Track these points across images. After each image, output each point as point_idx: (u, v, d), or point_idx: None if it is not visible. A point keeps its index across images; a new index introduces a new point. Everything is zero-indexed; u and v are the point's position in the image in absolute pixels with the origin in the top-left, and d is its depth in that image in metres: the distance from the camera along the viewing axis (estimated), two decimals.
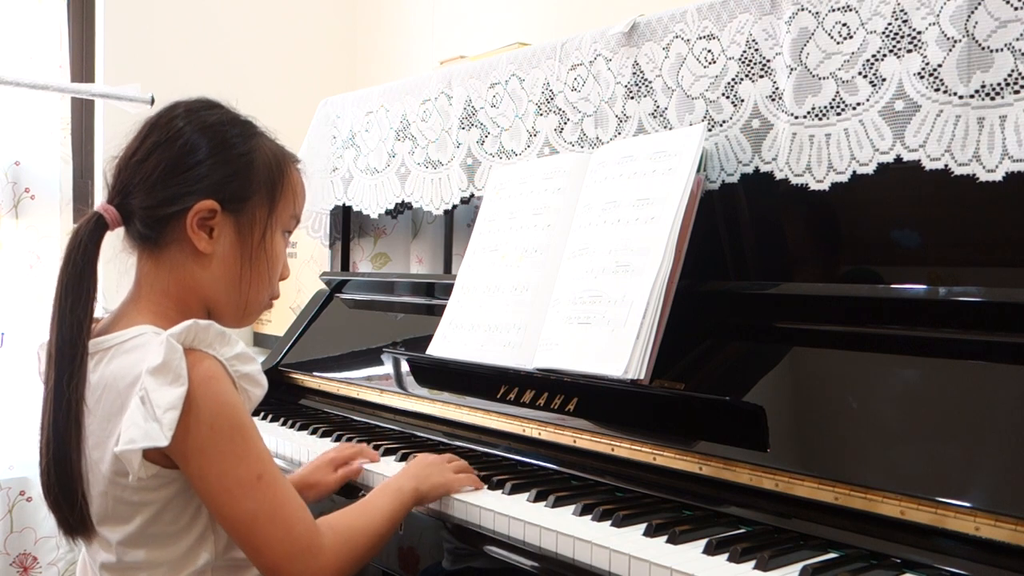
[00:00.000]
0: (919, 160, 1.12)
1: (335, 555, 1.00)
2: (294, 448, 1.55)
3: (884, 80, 1.16)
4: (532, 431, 1.36)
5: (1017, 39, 1.04)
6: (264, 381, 1.02)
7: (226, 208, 1.03)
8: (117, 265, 1.06)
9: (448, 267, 2.11)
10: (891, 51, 1.15)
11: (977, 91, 1.07)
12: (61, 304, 0.99)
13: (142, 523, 0.98)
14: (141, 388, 0.92)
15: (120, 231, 1.05)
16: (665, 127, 1.42)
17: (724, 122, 1.34)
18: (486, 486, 1.22)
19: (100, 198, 2.81)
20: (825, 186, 1.23)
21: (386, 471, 1.34)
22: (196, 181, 1.02)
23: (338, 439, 1.56)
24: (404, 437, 1.57)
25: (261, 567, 0.98)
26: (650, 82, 1.44)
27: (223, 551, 1.02)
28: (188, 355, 0.94)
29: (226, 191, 1.03)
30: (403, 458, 1.40)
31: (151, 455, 0.94)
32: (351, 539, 1.03)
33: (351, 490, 1.35)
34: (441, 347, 1.55)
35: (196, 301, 1.05)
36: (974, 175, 1.08)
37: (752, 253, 1.42)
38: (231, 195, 1.04)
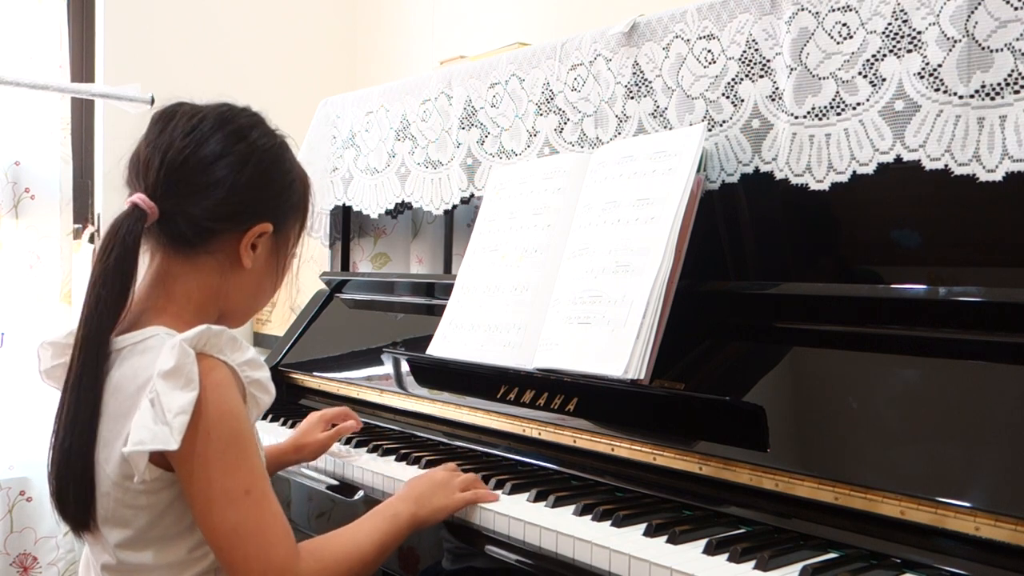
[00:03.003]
0: (919, 160, 1.12)
1: None
2: None
3: (884, 80, 1.16)
4: (532, 431, 1.36)
5: (1017, 39, 1.04)
6: (272, 389, 1.02)
7: (276, 229, 1.07)
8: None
9: (448, 267, 2.11)
10: (891, 51, 1.15)
11: (977, 91, 1.07)
12: (97, 295, 0.97)
13: (143, 526, 0.97)
14: (152, 391, 0.92)
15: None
16: (665, 127, 1.42)
17: (724, 122, 1.34)
18: (497, 497, 1.18)
19: (100, 198, 2.80)
20: (825, 186, 1.23)
21: (386, 470, 1.34)
22: (259, 203, 1.04)
23: None
24: (404, 437, 1.58)
25: None
26: (650, 82, 1.44)
27: None
28: (201, 360, 0.94)
29: (278, 214, 1.07)
30: (403, 458, 1.41)
31: (154, 458, 0.94)
32: (332, 569, 1.00)
33: (350, 489, 1.36)
34: (441, 347, 1.55)
35: (214, 307, 1.06)
36: (974, 175, 1.08)
37: (752, 253, 1.42)
38: (281, 217, 1.08)
